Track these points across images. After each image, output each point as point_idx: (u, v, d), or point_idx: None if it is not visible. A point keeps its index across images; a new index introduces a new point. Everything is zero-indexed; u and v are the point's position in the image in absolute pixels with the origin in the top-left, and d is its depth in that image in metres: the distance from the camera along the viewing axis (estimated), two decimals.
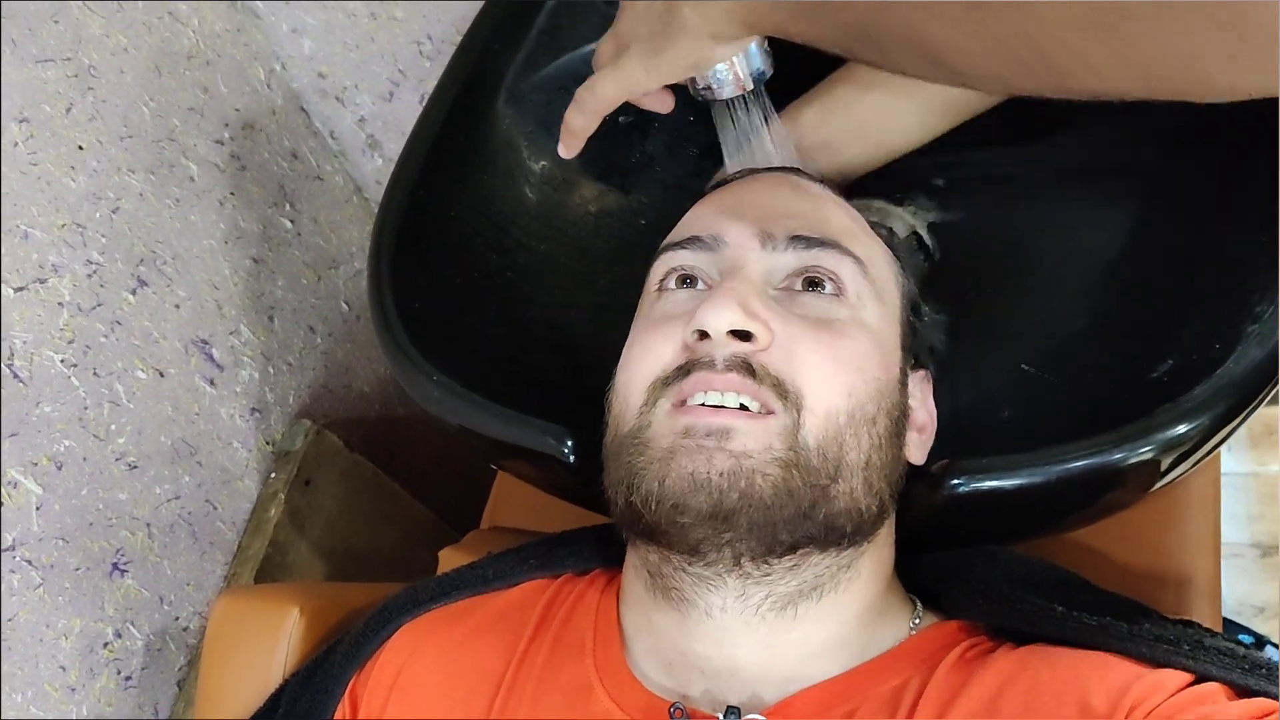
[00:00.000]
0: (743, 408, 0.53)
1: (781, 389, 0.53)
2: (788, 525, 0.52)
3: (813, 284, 0.58)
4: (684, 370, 0.55)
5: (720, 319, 0.53)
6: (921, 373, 0.63)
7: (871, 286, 0.59)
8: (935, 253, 0.80)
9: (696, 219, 0.63)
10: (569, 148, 0.71)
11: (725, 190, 0.65)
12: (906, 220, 0.84)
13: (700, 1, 0.59)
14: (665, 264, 0.61)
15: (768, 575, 0.54)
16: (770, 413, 0.53)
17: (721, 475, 0.51)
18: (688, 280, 0.60)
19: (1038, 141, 0.82)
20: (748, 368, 0.53)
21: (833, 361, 0.54)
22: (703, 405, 0.53)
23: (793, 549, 0.53)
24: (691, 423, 0.52)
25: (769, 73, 0.66)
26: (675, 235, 0.63)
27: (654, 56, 0.62)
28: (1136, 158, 0.77)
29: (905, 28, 0.51)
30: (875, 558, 0.58)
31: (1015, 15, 0.47)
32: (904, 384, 0.59)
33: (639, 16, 0.63)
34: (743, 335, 0.54)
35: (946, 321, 0.68)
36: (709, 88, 0.66)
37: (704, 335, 0.54)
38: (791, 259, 0.58)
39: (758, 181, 0.65)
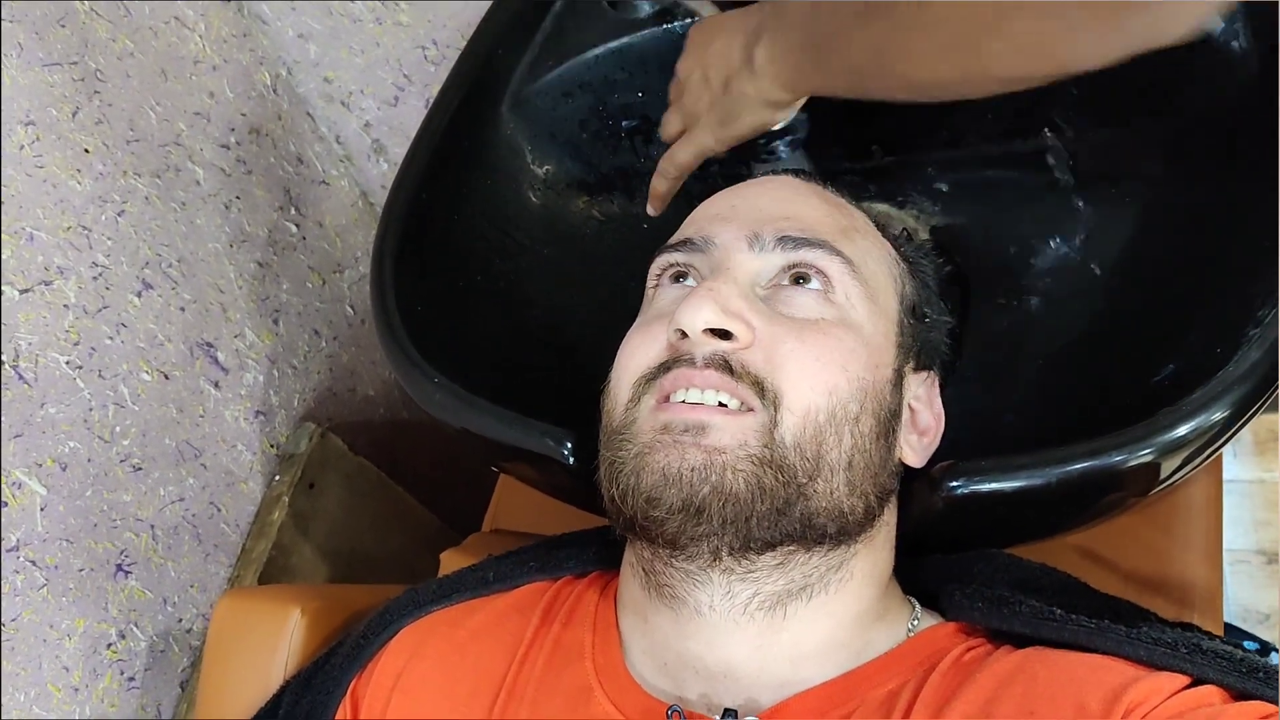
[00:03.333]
0: (722, 405, 0.54)
1: (760, 387, 0.54)
2: (763, 521, 0.52)
3: (799, 279, 0.58)
4: (665, 367, 0.56)
5: (697, 318, 0.54)
6: (925, 374, 0.63)
7: (862, 286, 0.59)
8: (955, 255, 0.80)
9: (692, 222, 0.64)
10: (655, 208, 0.81)
11: (723, 193, 0.66)
12: (909, 224, 0.84)
13: (754, 77, 0.68)
14: (659, 267, 0.63)
15: (752, 572, 0.54)
16: (749, 410, 0.53)
17: (693, 470, 0.51)
18: (680, 277, 0.61)
19: (1041, 147, 0.82)
20: (726, 365, 0.54)
21: (814, 360, 0.55)
22: (683, 403, 0.54)
23: (772, 546, 0.53)
24: (670, 419, 0.53)
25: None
26: (672, 238, 0.63)
27: (722, 128, 0.73)
28: (1138, 163, 0.77)
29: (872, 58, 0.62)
30: (870, 560, 0.58)
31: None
32: (897, 385, 0.59)
33: (700, 94, 0.73)
34: (722, 334, 0.54)
35: (950, 323, 0.68)
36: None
37: (685, 334, 0.55)
38: (779, 259, 0.59)
39: (755, 185, 0.65)
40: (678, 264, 0.61)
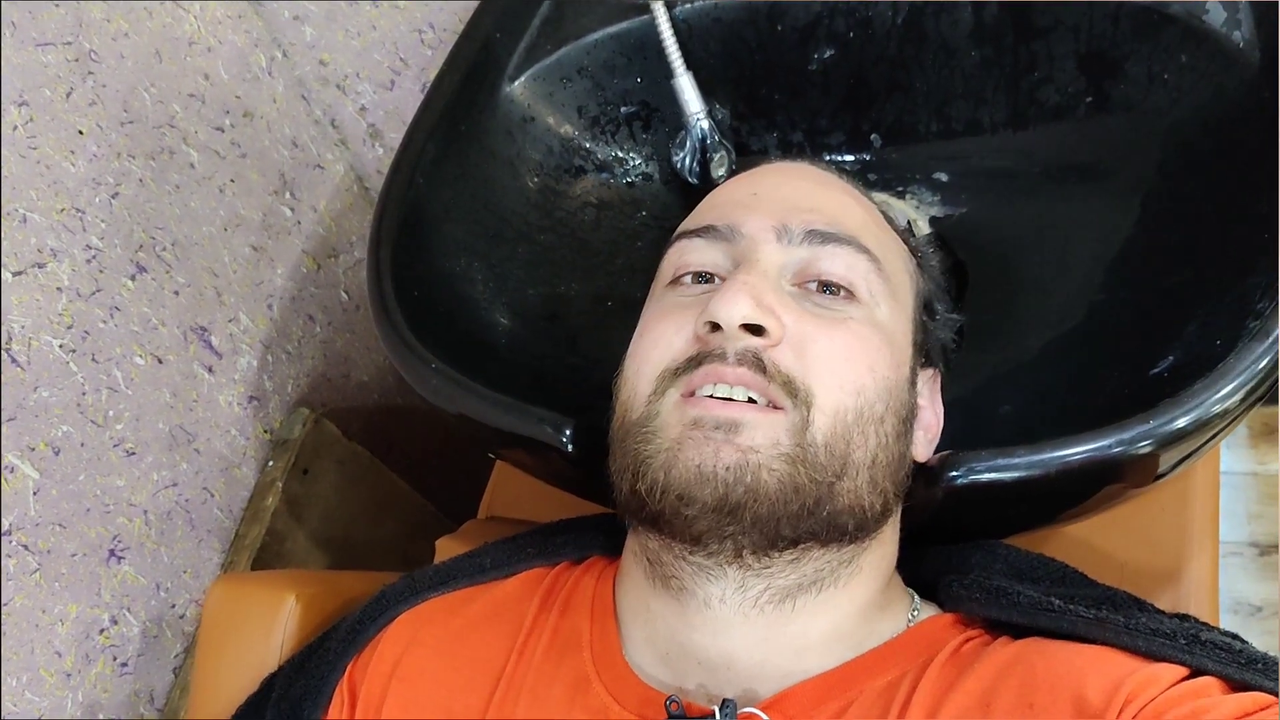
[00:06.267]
0: (751, 401, 0.53)
1: (791, 386, 0.53)
2: (791, 521, 0.51)
3: (826, 286, 0.57)
4: (695, 361, 0.54)
5: (734, 311, 0.52)
6: (930, 371, 0.63)
7: (885, 284, 0.58)
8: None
9: (713, 208, 0.62)
10: None
11: (743, 179, 0.64)
12: (909, 214, 0.84)
13: None
14: (680, 252, 0.61)
15: (768, 568, 0.54)
16: (779, 409, 0.53)
17: (728, 469, 0.50)
18: (702, 276, 0.59)
19: (1041, 137, 0.82)
20: (758, 364, 0.53)
21: (843, 360, 0.54)
22: (711, 397, 0.53)
23: (794, 543, 0.53)
24: (700, 414, 0.52)
25: None
26: (691, 223, 0.62)
27: None
28: (1138, 154, 0.77)
29: None
30: (878, 554, 0.58)
31: None
32: (913, 383, 0.59)
33: None
34: (754, 329, 0.53)
35: (960, 321, 0.68)
36: None
37: (716, 327, 0.54)
38: (806, 253, 0.57)
39: (777, 172, 0.64)
40: (700, 253, 0.59)
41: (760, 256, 0.57)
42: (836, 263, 0.57)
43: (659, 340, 0.57)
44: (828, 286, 0.57)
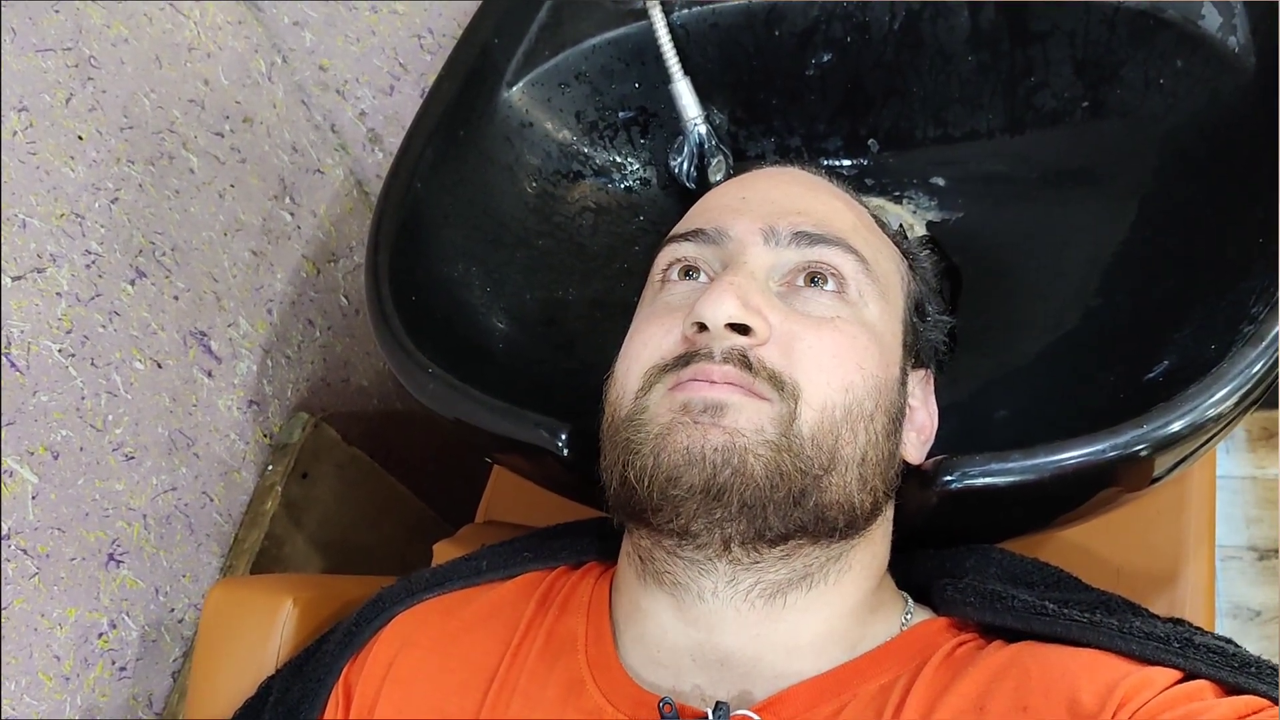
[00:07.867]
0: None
1: (777, 380, 0.53)
2: (778, 509, 0.52)
3: (814, 279, 0.58)
4: (683, 360, 0.55)
5: (719, 311, 0.53)
6: (923, 372, 0.63)
7: (874, 285, 0.58)
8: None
9: (702, 212, 0.63)
10: None
11: (733, 184, 0.65)
12: (906, 218, 0.84)
13: None
14: (668, 255, 0.61)
15: (757, 563, 0.54)
16: (765, 399, 0.53)
17: (716, 451, 0.51)
18: (690, 272, 0.60)
19: (1037, 142, 0.82)
20: (744, 361, 0.53)
21: (830, 357, 0.54)
22: (695, 380, 0.53)
23: (784, 538, 0.53)
24: (689, 398, 0.53)
25: None
26: (680, 227, 0.63)
27: None
28: (1135, 159, 0.77)
29: None
30: (869, 553, 0.58)
31: None
32: (903, 383, 0.59)
33: None
34: (741, 329, 0.54)
35: (951, 323, 0.68)
36: None
37: (703, 327, 0.54)
38: (794, 255, 0.58)
39: (766, 177, 0.65)
40: (689, 256, 0.60)
41: (748, 258, 0.57)
42: (824, 262, 0.58)
43: (648, 341, 0.57)
44: (815, 278, 0.58)
